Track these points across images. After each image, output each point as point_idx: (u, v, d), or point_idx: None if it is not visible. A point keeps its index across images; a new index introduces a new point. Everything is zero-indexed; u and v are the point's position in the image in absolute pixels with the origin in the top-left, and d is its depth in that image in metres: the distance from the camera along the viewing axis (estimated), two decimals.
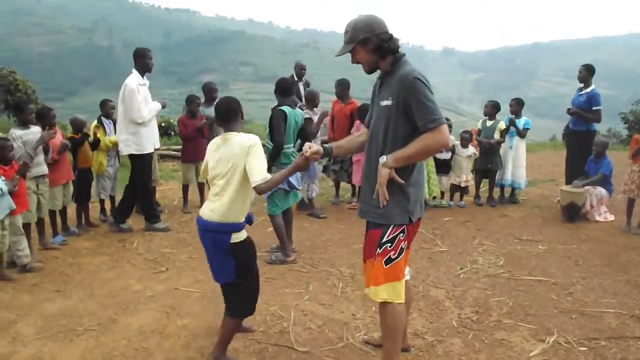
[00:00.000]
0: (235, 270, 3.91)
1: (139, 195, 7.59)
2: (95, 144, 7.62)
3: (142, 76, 7.34)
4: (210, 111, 8.59)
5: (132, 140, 7.21)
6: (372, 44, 3.48)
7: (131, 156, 7.37)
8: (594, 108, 8.54)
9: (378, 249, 3.54)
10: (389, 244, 3.53)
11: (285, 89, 6.43)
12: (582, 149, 8.59)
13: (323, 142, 8.30)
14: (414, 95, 3.36)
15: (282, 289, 5.61)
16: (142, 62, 7.31)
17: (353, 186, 9.32)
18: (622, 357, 4.26)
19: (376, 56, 3.53)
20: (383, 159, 3.44)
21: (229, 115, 4.01)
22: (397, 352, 3.80)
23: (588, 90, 8.68)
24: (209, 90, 8.88)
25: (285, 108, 6.28)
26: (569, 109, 8.84)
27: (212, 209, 3.89)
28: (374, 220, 3.57)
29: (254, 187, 3.78)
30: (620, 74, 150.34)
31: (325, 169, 9.16)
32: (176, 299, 5.37)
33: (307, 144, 3.74)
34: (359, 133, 4.03)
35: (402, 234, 3.54)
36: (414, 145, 3.38)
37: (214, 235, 3.89)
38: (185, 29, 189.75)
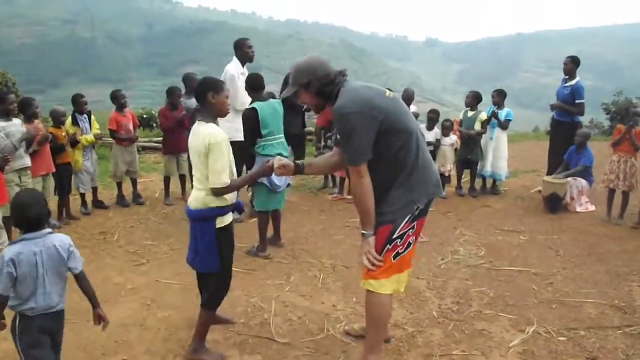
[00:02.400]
0: (220, 259, 3.91)
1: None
2: (74, 143, 7.53)
3: (243, 65, 7.38)
4: (192, 102, 8.52)
5: (233, 127, 6.97)
6: (314, 88, 3.51)
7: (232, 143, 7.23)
8: (577, 101, 8.55)
9: (388, 245, 3.55)
10: (399, 240, 3.56)
11: (256, 85, 6.40)
12: (565, 140, 8.59)
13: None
14: (338, 131, 3.48)
15: (262, 281, 5.59)
16: (242, 51, 7.37)
17: (333, 177, 9.33)
18: (601, 347, 4.30)
19: (319, 98, 3.56)
20: (363, 233, 3.55)
21: (197, 96, 4.02)
22: (379, 343, 3.82)
23: (572, 82, 8.67)
24: (190, 81, 8.82)
25: (255, 104, 6.22)
26: (551, 105, 8.86)
27: (195, 197, 3.93)
28: (383, 222, 3.56)
29: (211, 189, 3.82)
30: (603, 65, 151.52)
31: None
32: (157, 291, 5.34)
33: (277, 157, 3.84)
34: (332, 153, 4.04)
35: (411, 230, 3.58)
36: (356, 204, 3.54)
37: (199, 223, 3.92)
38: (167, 20, 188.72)
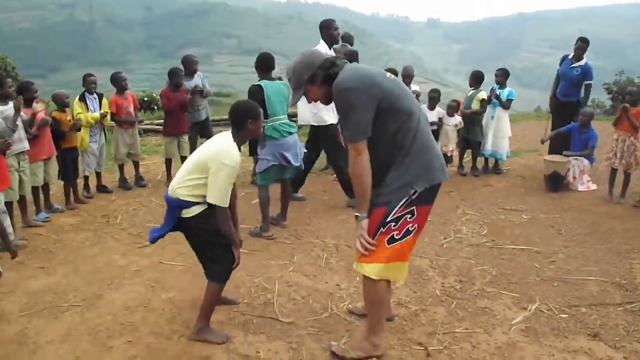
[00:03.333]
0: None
1: (342, 168, 7.16)
2: (77, 130, 7.53)
3: (330, 47, 7.20)
4: (191, 84, 8.54)
5: (311, 110, 7.03)
6: (320, 77, 3.50)
7: (311, 127, 7.29)
8: (587, 82, 8.78)
9: (382, 228, 3.52)
10: (393, 223, 3.51)
11: (267, 65, 6.38)
12: (567, 120, 8.70)
13: None
14: (337, 107, 3.47)
15: (266, 261, 5.62)
16: (328, 33, 7.21)
17: None
18: (602, 324, 4.33)
19: (327, 86, 3.52)
20: (357, 216, 3.56)
21: (236, 120, 4.09)
22: (380, 323, 3.85)
23: (582, 63, 8.82)
24: (189, 63, 8.81)
25: (262, 82, 6.21)
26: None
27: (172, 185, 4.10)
28: (378, 204, 3.54)
29: (215, 206, 3.90)
30: (605, 44, 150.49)
31: None
32: (161, 272, 5.38)
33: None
34: None
35: (409, 215, 3.51)
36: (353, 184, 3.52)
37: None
38: (166, 2, 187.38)
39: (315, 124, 7.12)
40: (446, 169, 3.66)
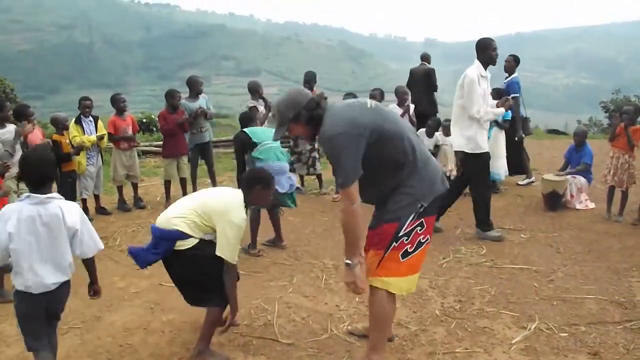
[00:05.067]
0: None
1: (477, 198, 6.97)
2: (78, 151, 7.55)
3: (485, 69, 6.71)
4: (194, 105, 8.59)
5: (465, 136, 6.67)
6: (304, 117, 3.55)
7: (466, 155, 6.80)
8: (512, 95, 8.91)
9: (394, 242, 3.59)
10: (406, 238, 3.59)
11: (245, 122, 6.64)
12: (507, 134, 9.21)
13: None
14: (327, 155, 3.55)
15: (266, 282, 5.63)
16: (486, 53, 6.68)
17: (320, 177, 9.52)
18: (602, 342, 4.32)
19: (311, 126, 3.59)
20: (348, 263, 3.56)
21: (247, 184, 4.18)
22: (382, 342, 3.86)
23: (511, 78, 9.37)
24: (194, 84, 8.87)
25: (247, 129, 6.44)
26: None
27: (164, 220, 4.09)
28: (388, 219, 3.61)
29: (225, 262, 3.95)
30: (601, 63, 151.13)
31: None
32: (160, 294, 5.37)
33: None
34: None
35: (419, 228, 3.61)
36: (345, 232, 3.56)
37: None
38: (165, 23, 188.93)
39: (469, 151, 6.70)
40: (445, 180, 3.75)
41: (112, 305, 5.15)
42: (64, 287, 3.50)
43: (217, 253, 3.88)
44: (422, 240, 3.66)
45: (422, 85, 10.44)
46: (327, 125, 3.46)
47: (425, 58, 10.84)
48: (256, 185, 4.12)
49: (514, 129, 9.13)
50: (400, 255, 3.62)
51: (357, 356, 4.02)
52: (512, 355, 4.17)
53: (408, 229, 3.57)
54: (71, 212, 3.33)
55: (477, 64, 6.68)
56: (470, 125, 6.62)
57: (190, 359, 4.12)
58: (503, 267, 5.96)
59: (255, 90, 8.77)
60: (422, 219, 3.61)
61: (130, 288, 5.57)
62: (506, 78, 9.45)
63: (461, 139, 6.72)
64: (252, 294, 5.25)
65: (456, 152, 7.04)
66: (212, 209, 3.94)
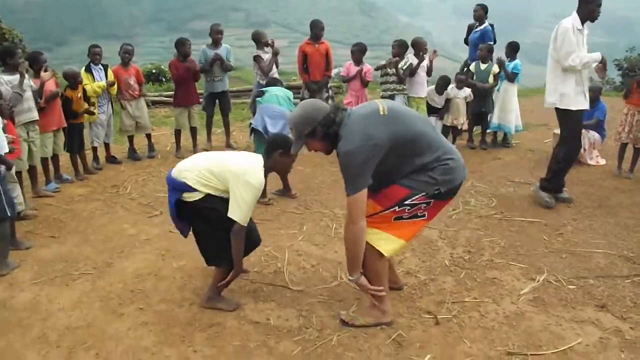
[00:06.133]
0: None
1: (558, 156, 6.45)
2: (86, 112, 7.53)
3: (582, 24, 6.13)
4: (211, 52, 8.55)
5: (559, 92, 6.19)
6: (320, 134, 3.54)
7: (557, 110, 6.34)
8: (488, 44, 9.13)
9: (396, 207, 3.60)
10: (408, 207, 3.60)
11: None
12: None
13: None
14: (345, 171, 3.53)
15: (275, 230, 5.67)
16: (587, 7, 6.11)
17: None
18: (610, 295, 4.35)
19: (328, 141, 3.59)
20: (350, 279, 3.73)
21: (267, 149, 4.14)
22: (386, 290, 3.88)
23: (482, 27, 9.43)
24: (215, 33, 8.79)
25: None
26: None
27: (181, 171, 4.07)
28: (401, 183, 3.60)
29: (234, 223, 3.88)
30: (615, 21, 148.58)
31: None
32: (171, 241, 5.41)
33: None
34: None
35: (424, 204, 3.61)
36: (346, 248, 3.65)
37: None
38: None
39: (562, 107, 6.22)
40: (465, 167, 3.73)
41: (123, 252, 5.19)
42: None
43: (229, 215, 3.84)
44: (419, 214, 3.65)
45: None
46: (343, 141, 3.46)
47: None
48: (277, 150, 4.07)
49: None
50: (393, 218, 3.64)
51: (366, 304, 4.04)
52: (520, 306, 4.20)
53: (415, 202, 3.57)
54: None
55: (574, 15, 6.18)
56: (565, 81, 6.14)
57: (201, 304, 4.18)
58: (513, 220, 5.96)
59: (258, 40, 8.69)
60: (432, 200, 3.60)
61: (141, 235, 5.61)
62: (476, 27, 9.55)
63: (555, 95, 6.25)
64: (262, 241, 5.26)
65: (558, 111, 6.35)
66: (230, 169, 3.89)
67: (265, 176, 4.02)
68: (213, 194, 3.95)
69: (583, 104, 6.21)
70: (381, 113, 3.51)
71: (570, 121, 6.26)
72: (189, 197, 3.96)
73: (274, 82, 6.92)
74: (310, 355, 3.59)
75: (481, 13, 9.51)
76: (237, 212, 3.82)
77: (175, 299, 4.31)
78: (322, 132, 3.53)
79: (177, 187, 3.98)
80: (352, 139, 3.41)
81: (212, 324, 3.96)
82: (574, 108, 6.15)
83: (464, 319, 4.01)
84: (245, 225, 3.89)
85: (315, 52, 8.96)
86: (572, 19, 6.13)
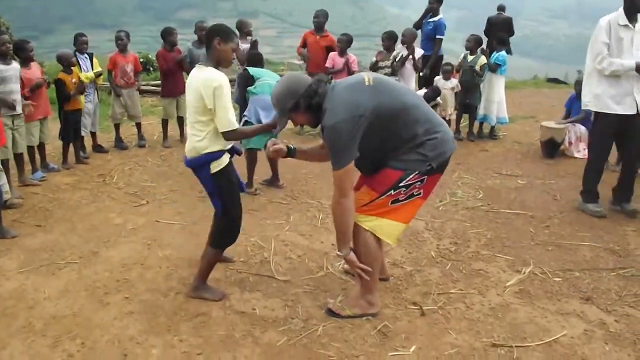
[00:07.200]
0: (222, 203, 3.96)
1: (590, 160, 6.28)
2: (79, 91, 7.46)
3: (629, 18, 5.63)
4: (198, 52, 8.48)
5: (593, 93, 5.84)
6: (303, 106, 3.51)
7: (593, 114, 6.07)
8: (437, 37, 9.57)
9: (392, 190, 3.59)
10: (404, 189, 3.59)
11: (254, 63, 6.63)
12: (433, 72, 9.59)
13: None
14: (330, 143, 3.49)
15: (262, 220, 5.66)
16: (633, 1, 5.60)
17: None
18: (595, 287, 4.38)
19: (311, 113, 3.56)
20: (339, 254, 3.74)
21: (206, 40, 3.95)
22: (375, 280, 3.90)
23: (436, 19, 9.64)
24: (201, 30, 8.70)
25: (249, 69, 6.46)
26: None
27: (188, 146, 3.95)
28: (393, 166, 3.59)
29: (222, 134, 3.81)
30: (605, 14, 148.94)
31: None
32: (157, 231, 5.40)
33: (271, 141, 3.87)
34: (322, 144, 3.94)
35: (419, 182, 3.60)
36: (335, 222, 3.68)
37: (197, 171, 3.96)
38: None
39: (595, 109, 5.91)
40: (454, 139, 3.74)
41: (109, 241, 5.17)
42: None
43: (221, 129, 3.77)
44: (415, 193, 3.65)
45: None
46: (328, 113, 3.44)
47: (502, 8, 11.66)
48: (214, 38, 3.85)
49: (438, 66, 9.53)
50: (390, 202, 3.63)
51: (352, 294, 4.05)
52: (506, 297, 4.21)
53: (410, 182, 3.57)
54: None
55: (619, 11, 5.70)
56: (600, 82, 5.76)
57: (187, 293, 4.16)
58: (499, 212, 5.99)
59: (241, 29, 8.66)
60: (426, 177, 3.59)
61: (127, 224, 5.58)
62: (430, 18, 9.68)
63: (589, 95, 5.92)
64: (249, 231, 5.25)
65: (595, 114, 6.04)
66: (196, 93, 3.78)
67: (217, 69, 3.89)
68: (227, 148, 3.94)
69: (617, 106, 5.72)
70: (366, 83, 3.50)
71: (602, 124, 5.91)
72: (218, 165, 3.89)
73: (255, 60, 6.67)
74: (296, 345, 3.59)
75: (436, 6, 9.65)
76: (223, 121, 3.76)
77: (161, 289, 4.30)
78: (305, 103, 3.50)
79: (200, 163, 3.90)
80: (337, 111, 3.39)
81: (198, 314, 3.94)
82: (609, 111, 5.74)
83: (450, 311, 4.02)
84: (237, 126, 3.83)
85: (315, 44, 9.00)
86: (615, 15, 5.71)
